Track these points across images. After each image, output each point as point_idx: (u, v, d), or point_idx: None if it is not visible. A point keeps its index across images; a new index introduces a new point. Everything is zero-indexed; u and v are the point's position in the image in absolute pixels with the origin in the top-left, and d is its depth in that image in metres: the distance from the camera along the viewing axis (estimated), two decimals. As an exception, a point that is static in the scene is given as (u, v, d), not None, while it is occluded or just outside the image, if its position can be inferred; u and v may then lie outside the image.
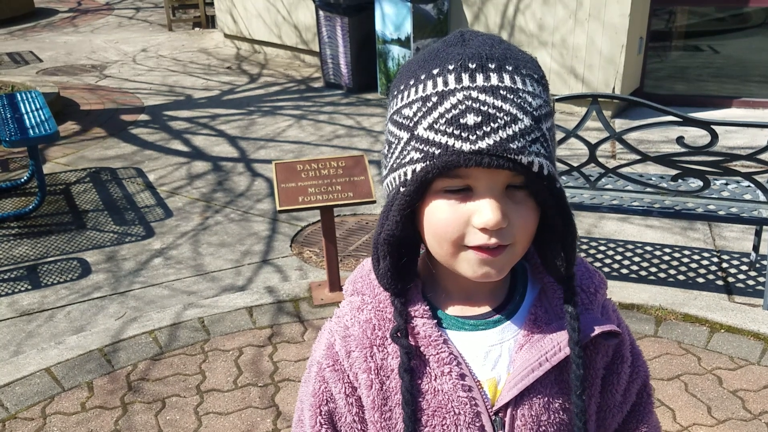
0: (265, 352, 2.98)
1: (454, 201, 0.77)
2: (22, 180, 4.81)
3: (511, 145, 0.73)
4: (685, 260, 3.63)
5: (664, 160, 3.04)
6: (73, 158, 5.35)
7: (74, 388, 2.80)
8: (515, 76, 0.75)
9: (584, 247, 3.77)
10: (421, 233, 0.83)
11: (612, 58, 5.58)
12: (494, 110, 0.73)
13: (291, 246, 3.96)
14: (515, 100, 0.74)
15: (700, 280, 3.45)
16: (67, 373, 2.87)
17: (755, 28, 7.70)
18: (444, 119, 0.74)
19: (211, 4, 9.60)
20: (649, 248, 3.74)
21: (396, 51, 6.40)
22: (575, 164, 3.28)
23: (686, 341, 2.94)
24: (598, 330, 0.86)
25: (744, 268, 3.55)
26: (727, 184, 3.33)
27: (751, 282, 3.42)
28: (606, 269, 3.53)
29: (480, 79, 0.74)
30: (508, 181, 0.76)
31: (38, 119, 4.46)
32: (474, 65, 0.74)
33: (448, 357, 0.86)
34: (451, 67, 0.75)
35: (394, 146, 0.80)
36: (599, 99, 3.12)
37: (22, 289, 3.61)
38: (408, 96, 0.79)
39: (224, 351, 3.00)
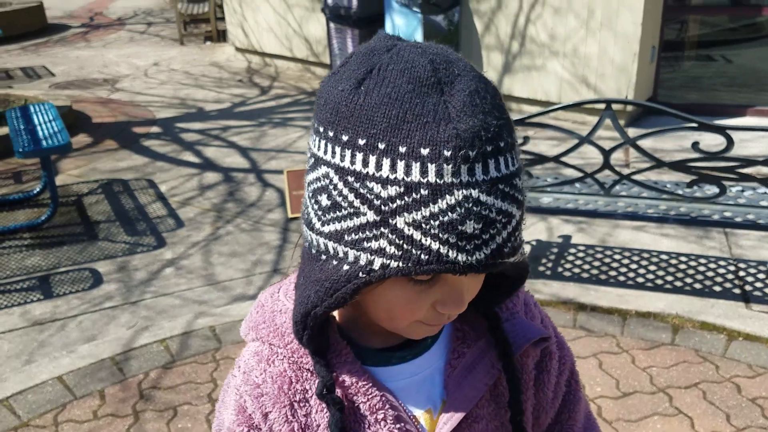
0: (277, 360, 2.96)
1: (417, 290, 0.69)
2: (35, 191, 4.83)
3: (506, 249, 0.66)
4: (702, 269, 3.58)
5: (679, 166, 3.01)
6: (85, 170, 5.38)
7: (86, 396, 2.79)
8: (508, 157, 0.65)
9: (599, 255, 3.73)
10: (367, 301, 0.73)
11: (624, 66, 5.56)
12: (495, 214, 0.64)
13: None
14: (511, 193, 0.65)
15: (717, 288, 3.39)
16: (79, 381, 2.86)
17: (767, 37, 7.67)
18: (438, 222, 0.62)
19: (223, 18, 9.68)
20: (664, 257, 3.70)
21: (406, 62, 6.39)
22: (589, 171, 3.25)
23: (704, 349, 2.89)
24: (529, 343, 0.83)
25: (761, 276, 3.49)
26: (743, 190, 3.28)
27: (768, 290, 3.37)
28: (621, 278, 3.49)
29: (479, 173, 0.63)
30: None
31: (51, 130, 4.49)
32: (474, 153, 0.62)
33: (380, 401, 0.78)
34: (447, 154, 0.62)
35: (345, 214, 0.66)
36: (613, 105, 3.10)
37: (34, 299, 3.62)
38: (378, 167, 0.64)
39: (235, 359, 2.97)
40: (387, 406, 0.78)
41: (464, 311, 0.79)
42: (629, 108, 5.57)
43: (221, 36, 10.20)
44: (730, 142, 2.88)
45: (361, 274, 0.66)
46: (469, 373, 0.81)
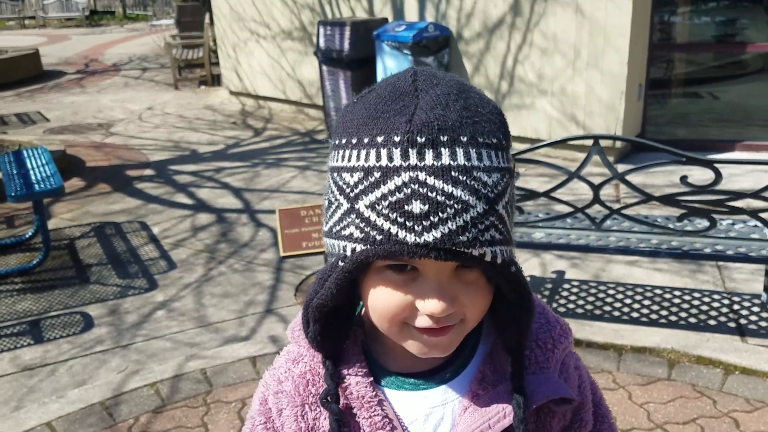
0: (270, 403, 2.91)
1: (397, 283, 0.71)
2: (27, 235, 4.82)
3: (461, 237, 0.66)
4: (696, 303, 3.57)
5: (669, 199, 3.03)
6: (77, 213, 5.37)
7: (74, 443, 2.73)
8: (470, 150, 0.67)
9: (593, 291, 3.72)
10: (363, 301, 0.77)
11: (612, 104, 5.64)
12: (443, 197, 0.65)
13: (296, 295, 3.92)
14: (468, 182, 0.66)
15: (712, 322, 3.38)
16: (69, 427, 2.81)
17: (754, 74, 7.80)
18: (387, 202, 0.66)
19: (217, 63, 9.82)
20: (658, 291, 3.69)
21: (398, 102, 6.48)
22: (579, 206, 3.26)
23: (700, 384, 2.87)
24: (546, 399, 0.79)
25: (756, 309, 3.48)
26: (733, 224, 3.30)
27: (763, 323, 3.36)
28: (616, 312, 3.48)
29: (429, 157, 0.66)
30: (456, 265, 0.70)
31: (44, 174, 4.50)
32: (423, 139, 0.66)
33: (381, 421, 0.79)
34: (396, 139, 0.66)
35: (333, 208, 0.73)
36: (601, 141, 3.13)
37: (25, 344, 3.57)
38: (349, 158, 0.71)
39: (227, 403, 2.93)
40: (388, 427, 0.79)
41: (491, 356, 0.81)
42: (618, 145, 5.63)
43: (216, 80, 10.33)
44: (719, 176, 2.90)
45: (340, 262, 0.71)
46: (481, 416, 0.79)
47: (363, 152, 0.69)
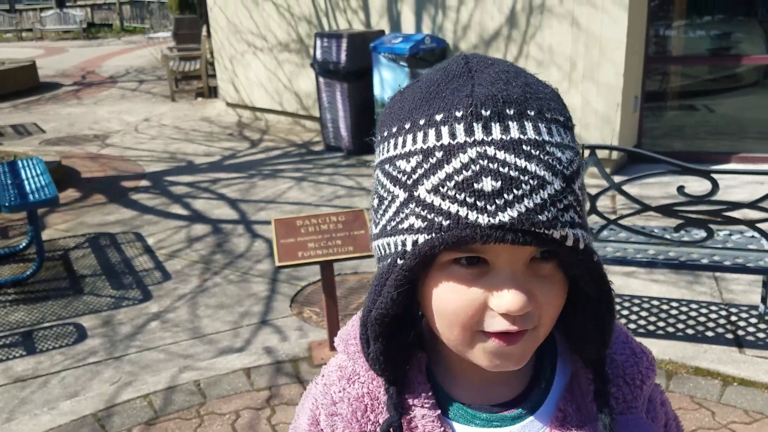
0: (263, 414, 2.88)
1: (466, 278, 0.63)
2: (21, 246, 4.79)
3: (540, 216, 0.58)
4: (693, 314, 3.55)
5: (665, 210, 3.02)
6: (72, 224, 5.35)
7: (64, 455, 2.69)
8: (539, 124, 0.61)
9: (589, 302, 3.70)
10: (424, 308, 0.68)
11: (608, 117, 5.65)
12: (517, 172, 0.58)
13: (291, 306, 3.89)
14: (542, 157, 0.60)
15: (710, 333, 3.36)
16: (58, 439, 2.77)
17: (748, 87, 7.86)
18: (453, 182, 0.59)
19: (214, 75, 9.84)
20: (655, 302, 3.67)
21: (394, 114, 6.49)
22: (576, 217, 3.25)
23: (699, 395, 2.85)
24: None
25: (753, 320, 3.47)
26: (730, 234, 3.29)
27: (761, 334, 3.34)
28: (612, 324, 3.46)
29: (497, 131, 0.59)
30: (534, 253, 0.62)
31: (38, 185, 4.48)
32: (488, 112, 0.60)
33: None
34: (459, 114, 0.60)
35: (386, 204, 0.66)
36: (598, 152, 3.13)
37: (17, 355, 3.53)
38: (404, 144, 0.64)
39: (220, 414, 2.89)
40: None
41: (571, 392, 0.73)
42: (614, 156, 5.64)
43: (212, 92, 10.35)
44: (716, 186, 2.90)
45: (398, 260, 0.63)
46: None
47: (420, 134, 0.62)
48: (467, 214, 0.59)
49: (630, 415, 0.72)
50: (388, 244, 0.65)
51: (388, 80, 6.45)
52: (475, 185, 0.58)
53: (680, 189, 2.96)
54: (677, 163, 2.93)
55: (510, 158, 0.59)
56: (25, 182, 4.56)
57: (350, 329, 0.78)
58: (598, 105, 5.66)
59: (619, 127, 5.64)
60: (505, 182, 0.58)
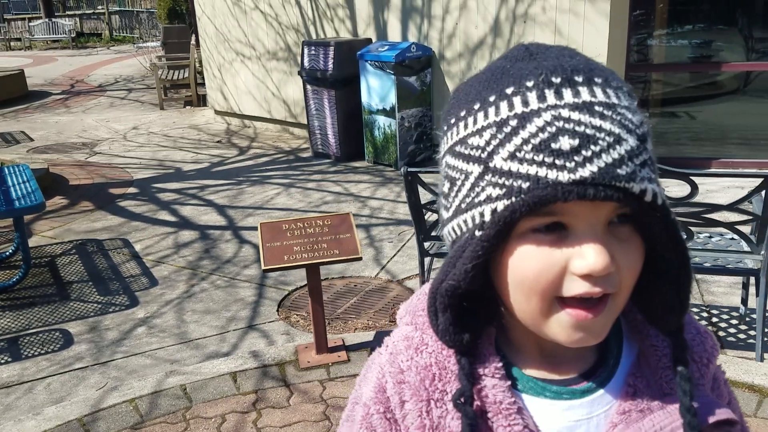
0: (249, 418, 2.89)
1: (545, 244, 0.63)
2: (7, 253, 4.78)
3: (619, 170, 0.59)
4: (675, 315, 3.60)
5: (645, 212, 3.06)
6: (59, 231, 5.34)
7: (49, 459, 2.69)
8: (608, 90, 0.63)
9: (573, 304, 3.74)
10: (498, 286, 0.68)
11: (592, 122, 5.72)
12: (593, 130, 0.60)
13: (278, 310, 3.91)
14: (614, 117, 0.61)
15: (691, 334, 3.41)
16: (43, 444, 2.76)
17: (729, 95, 7.96)
18: (530, 145, 0.60)
19: (203, 83, 9.86)
20: (638, 304, 3.72)
21: (382, 121, 6.54)
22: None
23: (680, 394, 2.88)
24: (713, 419, 0.69)
25: (734, 321, 3.52)
26: (711, 237, 3.35)
27: (742, 336, 3.39)
28: (596, 326, 3.50)
29: (569, 96, 0.61)
30: (612, 215, 0.63)
31: (24, 191, 4.47)
32: (558, 80, 0.62)
33: (521, 431, 0.70)
34: (530, 84, 0.62)
35: (459, 183, 0.66)
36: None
37: (2, 361, 3.52)
38: (475, 122, 0.65)
39: (206, 418, 2.90)
40: None
41: (640, 368, 0.73)
42: (599, 162, 5.70)
43: (201, 100, 10.37)
44: (695, 188, 2.95)
45: (476, 232, 0.64)
46: None
47: (491, 109, 0.64)
48: (547, 173, 0.59)
49: (697, 393, 0.72)
50: (465, 221, 0.66)
51: (374, 88, 6.50)
52: (553, 145, 0.59)
53: (659, 191, 3.01)
54: (656, 166, 2.98)
55: (585, 118, 0.60)
56: (12, 189, 4.55)
57: (416, 302, 0.79)
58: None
59: (603, 134, 5.70)
60: (582, 140, 0.59)
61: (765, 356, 3.10)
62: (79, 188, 6.45)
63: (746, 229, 3.18)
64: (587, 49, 5.52)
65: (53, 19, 22.52)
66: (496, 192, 0.62)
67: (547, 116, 0.60)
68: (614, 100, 0.62)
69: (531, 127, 0.60)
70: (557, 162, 0.59)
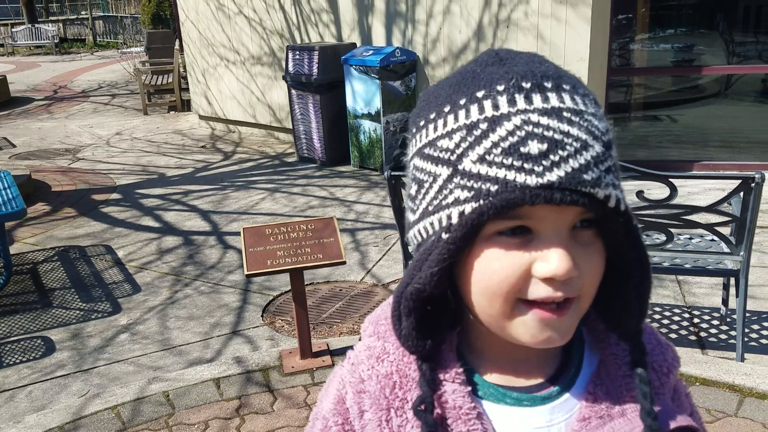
0: (232, 424, 2.88)
1: (510, 247, 0.63)
2: (-12, 260, 4.72)
3: (585, 176, 0.60)
4: (657, 317, 3.63)
5: (626, 214, 3.09)
6: (41, 238, 5.29)
7: (30, 468, 2.66)
8: (575, 96, 0.64)
9: (556, 307, 3.76)
10: (462, 289, 0.68)
11: (575, 126, 5.76)
12: (561, 135, 0.61)
13: (262, 316, 3.90)
14: (582, 123, 0.62)
15: (673, 335, 3.44)
16: (23, 452, 2.73)
17: (710, 98, 8.05)
18: (500, 149, 0.61)
19: (187, 88, 9.82)
20: (620, 306, 3.74)
21: (367, 125, 6.55)
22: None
23: (661, 395, 2.90)
24: (673, 424, 0.70)
25: (715, 322, 3.56)
26: (691, 238, 3.38)
27: (723, 336, 3.42)
28: (579, 328, 3.52)
29: (538, 101, 0.62)
30: (576, 220, 0.64)
31: (5, 197, 4.43)
32: (528, 84, 0.63)
33: None
34: (500, 88, 0.63)
35: (427, 186, 0.66)
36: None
37: (-18, 369, 3.49)
38: (445, 125, 0.65)
39: (189, 425, 2.88)
40: None
41: (600, 376, 0.73)
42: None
43: (185, 105, 10.32)
44: (674, 190, 2.98)
45: (443, 234, 0.64)
46: None
47: (461, 111, 0.64)
48: (515, 177, 0.60)
49: (658, 400, 0.72)
50: (431, 223, 0.66)
51: (359, 92, 6.51)
52: (522, 149, 0.60)
53: (639, 194, 3.04)
54: (636, 169, 3.01)
55: (553, 123, 0.61)
56: (-8, 196, 4.51)
57: (380, 312, 0.79)
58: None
59: (586, 137, 5.74)
60: (550, 144, 0.60)
61: (745, 356, 3.14)
62: (62, 194, 6.40)
63: (726, 230, 3.21)
64: (569, 54, 5.57)
65: (36, 25, 22.34)
66: (464, 194, 0.63)
67: (517, 120, 0.61)
68: (582, 106, 0.63)
69: (501, 131, 0.61)
70: (526, 166, 0.60)
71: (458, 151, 0.63)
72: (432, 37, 6.47)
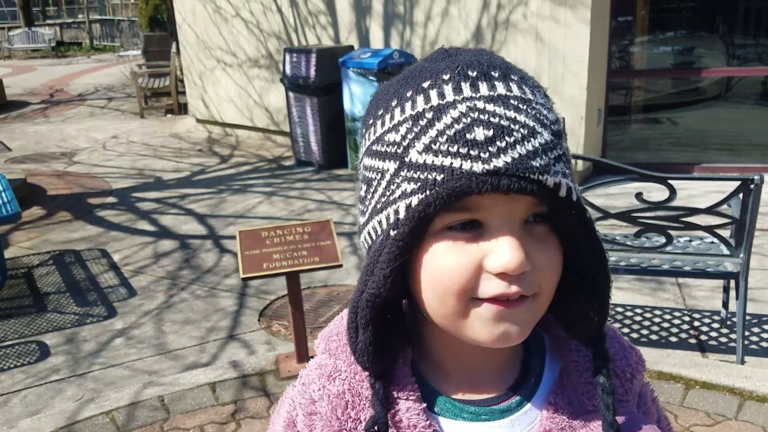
0: (228, 429, 2.85)
1: (460, 241, 0.61)
2: (-17, 264, 4.69)
3: (533, 162, 0.58)
4: (657, 320, 3.60)
5: (625, 216, 3.07)
6: (36, 242, 5.26)
7: (22, 475, 2.63)
8: (524, 86, 0.62)
9: (555, 310, 3.73)
10: (415, 290, 0.65)
11: (572, 129, 5.74)
12: (507, 122, 0.59)
13: (259, 320, 3.87)
14: (530, 111, 0.60)
15: (673, 339, 3.41)
16: (16, 459, 2.70)
17: (711, 101, 8.05)
18: (445, 137, 0.59)
19: (184, 92, 9.79)
20: (620, 309, 3.72)
21: (364, 128, 6.52)
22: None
23: (661, 399, 2.88)
24: None
25: (715, 325, 3.53)
26: (690, 240, 3.35)
27: (723, 339, 3.40)
28: (578, 331, 3.49)
29: (484, 88, 0.60)
30: (528, 213, 0.61)
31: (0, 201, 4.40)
32: (475, 73, 0.61)
33: None
34: (446, 77, 0.61)
35: (375, 183, 0.64)
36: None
37: (-25, 374, 3.45)
38: (392, 118, 0.63)
39: (184, 429, 2.85)
40: None
41: (562, 386, 0.71)
42: (579, 168, 5.72)
43: (182, 109, 10.29)
44: (673, 192, 2.96)
45: (391, 232, 0.62)
46: None
47: (408, 103, 0.62)
48: (461, 164, 0.58)
49: (622, 407, 0.70)
50: (380, 222, 0.64)
51: (357, 94, 6.48)
52: (468, 136, 0.58)
53: (638, 196, 3.02)
54: (635, 171, 2.99)
55: (500, 110, 0.59)
56: (-13, 199, 4.48)
57: (332, 328, 0.76)
58: (563, 118, 5.75)
59: (584, 140, 5.73)
60: (497, 131, 0.58)
61: (746, 359, 3.11)
62: (57, 198, 6.37)
63: (726, 233, 3.19)
64: (568, 56, 5.55)
65: (33, 28, 22.30)
66: (410, 187, 0.60)
67: (462, 107, 0.59)
68: (530, 96, 0.62)
69: (446, 119, 0.59)
70: (471, 152, 0.58)
71: (404, 143, 0.61)
72: (430, 39, 6.45)
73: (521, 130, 0.59)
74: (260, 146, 8.16)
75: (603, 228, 3.87)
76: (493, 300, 0.61)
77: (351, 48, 6.96)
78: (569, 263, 0.66)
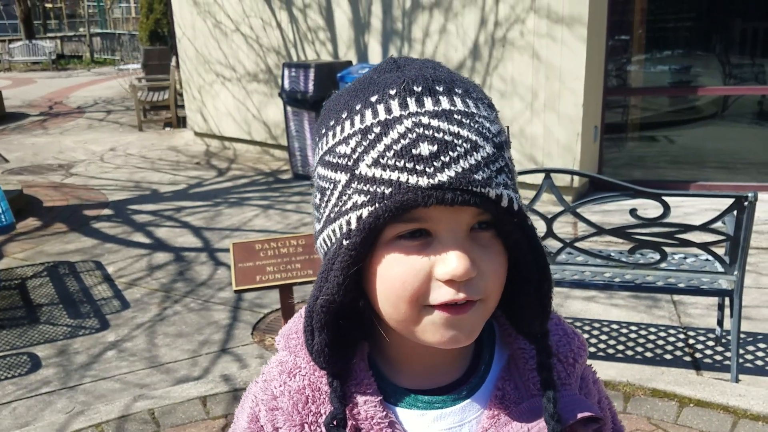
0: (219, 443, 2.82)
1: (410, 251, 0.64)
2: (-24, 275, 4.67)
3: (476, 176, 0.62)
4: (652, 337, 3.59)
5: (619, 232, 3.07)
6: (31, 253, 5.24)
7: (9, 488, 2.60)
8: (467, 100, 0.65)
9: (550, 326, 3.72)
10: (369, 296, 0.69)
11: (569, 146, 5.76)
12: (451, 137, 0.62)
13: (252, 334, 3.84)
14: (472, 125, 0.64)
15: (668, 356, 3.40)
16: (3, 472, 2.67)
17: (707, 119, 8.07)
18: (392, 151, 0.62)
19: (183, 105, 9.83)
20: (615, 326, 3.70)
21: (361, 143, 6.54)
22: (534, 241, 3.28)
23: (656, 416, 2.86)
24: (579, 416, 0.72)
25: (710, 343, 3.52)
26: (685, 257, 3.35)
27: (718, 357, 3.38)
28: (573, 348, 3.47)
29: (429, 104, 0.63)
30: (473, 222, 0.65)
31: (-5, 211, 4.39)
32: (420, 88, 0.64)
33: None
34: (392, 92, 0.64)
35: (329, 193, 0.67)
36: (557, 177, 3.17)
37: (-35, 386, 3.42)
38: (342, 131, 0.66)
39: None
40: None
41: (509, 372, 0.75)
42: (576, 184, 5.73)
43: (181, 122, 10.32)
44: (667, 209, 2.96)
45: (344, 241, 0.65)
46: None
47: (357, 117, 0.65)
48: (407, 178, 0.61)
49: (564, 390, 0.75)
50: (333, 231, 0.67)
51: (354, 110, 6.50)
52: (413, 151, 0.61)
53: (632, 212, 3.02)
54: (630, 187, 2.99)
55: (443, 125, 0.62)
56: (-18, 210, 4.46)
57: (291, 326, 0.78)
58: (560, 134, 5.77)
59: (580, 156, 5.74)
60: (440, 146, 0.62)
61: (740, 377, 3.09)
62: (53, 210, 6.36)
63: (720, 250, 3.19)
64: (565, 73, 5.58)
65: (34, 41, 22.40)
66: (361, 199, 0.63)
67: (408, 123, 0.63)
68: (473, 109, 0.65)
69: (393, 134, 0.63)
70: (417, 167, 0.61)
71: (354, 156, 0.64)
72: (428, 55, 6.48)
73: (464, 144, 0.62)
74: (258, 160, 8.17)
75: (598, 244, 3.87)
76: (443, 306, 0.65)
77: (349, 63, 6.99)
78: (515, 265, 0.70)
